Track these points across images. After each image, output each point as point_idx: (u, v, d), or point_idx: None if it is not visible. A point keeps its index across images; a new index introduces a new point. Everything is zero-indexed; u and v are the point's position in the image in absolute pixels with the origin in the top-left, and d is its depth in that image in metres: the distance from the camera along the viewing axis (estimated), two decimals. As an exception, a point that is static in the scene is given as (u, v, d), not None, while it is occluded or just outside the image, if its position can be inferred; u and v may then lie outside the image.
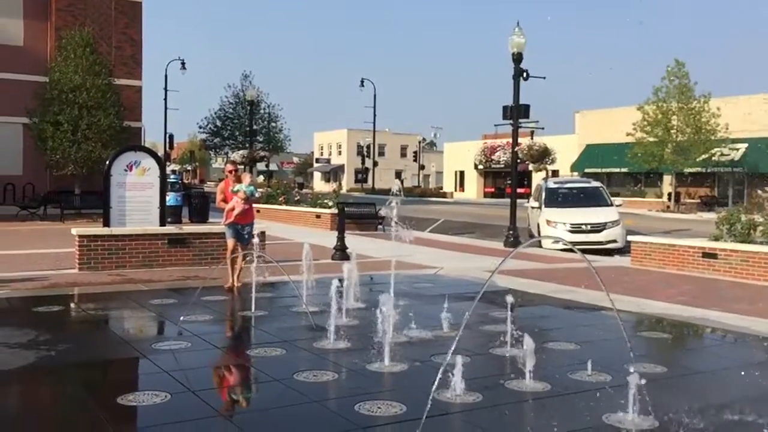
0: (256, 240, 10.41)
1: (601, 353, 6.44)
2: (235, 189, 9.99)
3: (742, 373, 6.23)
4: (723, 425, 4.77)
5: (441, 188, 70.42)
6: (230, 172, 10.39)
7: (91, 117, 23.73)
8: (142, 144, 27.69)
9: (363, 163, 71.29)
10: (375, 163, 65.37)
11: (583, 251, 16.33)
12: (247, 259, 9.92)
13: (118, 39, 27.78)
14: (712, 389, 5.71)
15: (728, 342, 7.81)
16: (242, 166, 31.55)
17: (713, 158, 39.48)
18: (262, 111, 54.71)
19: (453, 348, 4.95)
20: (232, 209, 9.96)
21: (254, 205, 10.80)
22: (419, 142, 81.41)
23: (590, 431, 4.60)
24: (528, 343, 5.63)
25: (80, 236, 11.67)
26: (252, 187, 10.16)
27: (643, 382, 4.72)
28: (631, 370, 4.88)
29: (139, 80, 28.49)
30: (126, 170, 12.43)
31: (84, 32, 24.74)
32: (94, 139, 23.69)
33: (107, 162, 12.69)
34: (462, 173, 68.49)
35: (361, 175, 73.13)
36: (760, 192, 14.94)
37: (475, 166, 64.58)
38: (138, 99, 28.36)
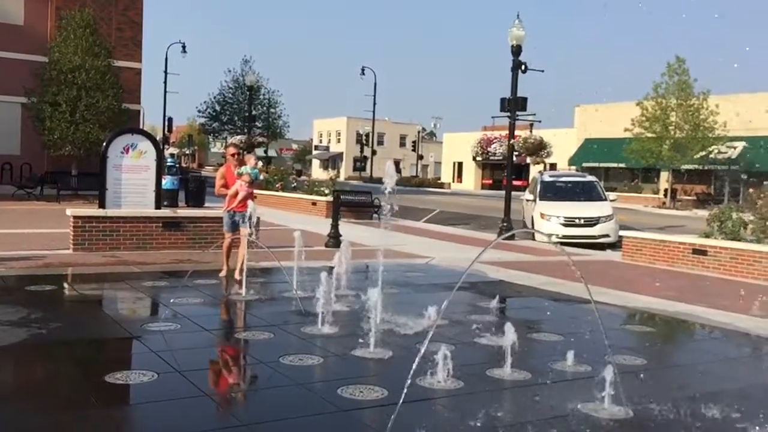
0: (248, 231, 9.40)
1: (584, 345, 6.55)
2: (240, 171, 9.54)
3: (721, 366, 6.36)
4: (696, 416, 4.88)
5: (439, 179, 70.47)
6: (232, 155, 10.02)
7: (89, 98, 23.74)
8: (141, 127, 27.70)
9: (362, 151, 71.29)
10: (374, 152, 65.41)
11: (577, 245, 16.68)
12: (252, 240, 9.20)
13: (119, 20, 27.72)
14: (688, 382, 5.83)
15: (710, 337, 7.93)
16: (242, 151, 31.66)
17: (710, 156, 39.57)
18: (261, 97, 54.69)
19: (435, 336, 5.06)
20: (235, 194, 9.51)
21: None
22: (418, 132, 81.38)
23: (566, 419, 4.70)
24: (512, 333, 5.75)
25: (75, 217, 11.75)
26: (256, 170, 9.74)
27: (622, 373, 4.84)
28: (612, 361, 5.00)
29: (138, 62, 28.45)
30: (122, 153, 12.50)
31: (84, 13, 24.70)
32: (92, 121, 23.71)
33: (104, 144, 12.75)
34: (460, 164, 68.52)
35: (360, 163, 73.16)
36: (752, 191, 15.01)
37: (473, 158, 64.61)
38: (137, 81, 28.33)
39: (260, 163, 10.65)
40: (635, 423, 4.70)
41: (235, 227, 9.67)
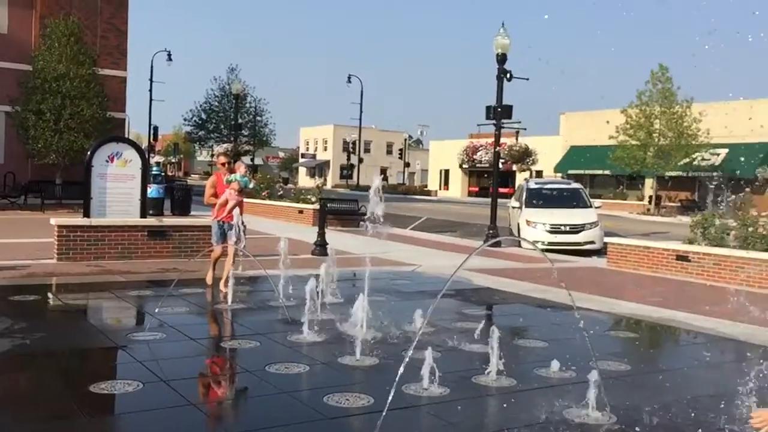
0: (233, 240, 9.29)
1: (568, 351, 6.59)
2: (230, 178, 9.31)
3: (703, 372, 6.43)
4: (678, 421, 4.94)
5: (425, 186, 70.63)
6: (222, 164, 9.70)
7: (74, 107, 23.61)
8: (126, 135, 27.61)
9: (348, 159, 71.33)
10: (360, 160, 65.49)
11: (562, 252, 16.77)
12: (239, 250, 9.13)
13: (104, 29, 27.62)
14: (671, 387, 5.87)
15: (693, 342, 8.00)
16: (232, 160, 31.52)
17: (694, 163, 39.95)
18: (247, 105, 54.59)
19: (422, 343, 5.08)
20: (225, 203, 9.29)
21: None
22: (405, 140, 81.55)
23: (550, 425, 4.74)
24: (498, 340, 5.79)
25: (59, 226, 11.68)
26: (246, 178, 9.55)
27: (606, 379, 4.88)
28: (596, 367, 5.05)
29: (124, 71, 28.35)
30: (107, 161, 12.45)
31: (69, 21, 24.59)
32: (77, 129, 23.57)
33: (88, 153, 12.70)
34: (447, 172, 68.71)
35: (347, 171, 73.18)
36: (733, 197, 15.18)
37: (460, 165, 64.84)
38: (122, 89, 28.23)
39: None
40: (619, 428, 4.74)
41: (224, 237, 9.47)
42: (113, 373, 5.82)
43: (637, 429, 4.71)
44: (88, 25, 26.40)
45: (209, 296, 9.17)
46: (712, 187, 35.84)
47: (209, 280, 9.67)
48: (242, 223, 9.20)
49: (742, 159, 39.20)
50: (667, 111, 38.30)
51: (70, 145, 23.46)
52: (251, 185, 10.11)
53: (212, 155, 61.77)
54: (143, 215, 12.78)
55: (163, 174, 27.59)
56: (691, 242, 13.48)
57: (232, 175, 9.37)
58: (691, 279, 12.62)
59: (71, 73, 23.67)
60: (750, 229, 12.68)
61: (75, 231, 11.72)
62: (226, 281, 8.99)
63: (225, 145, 40.79)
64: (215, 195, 9.45)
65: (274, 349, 6.54)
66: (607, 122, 38.94)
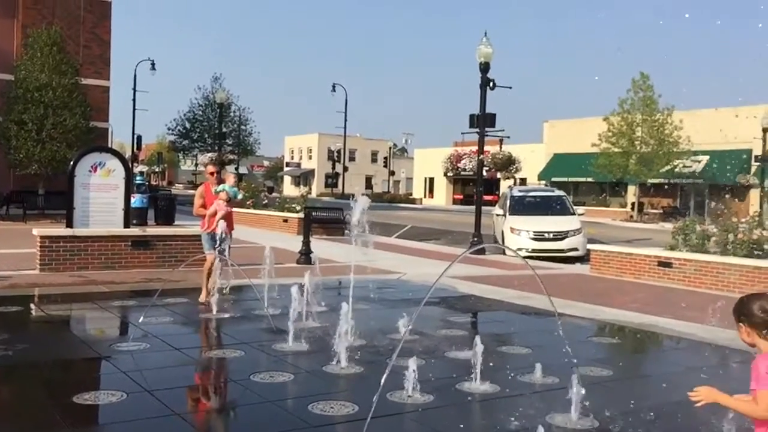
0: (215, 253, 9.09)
1: (551, 357, 6.65)
2: (218, 189, 9.14)
3: (685, 376, 6.50)
4: (660, 425, 5.00)
5: (410, 194, 70.76)
6: (211, 174, 9.47)
7: (56, 117, 23.50)
8: (109, 145, 27.49)
9: (333, 167, 71.32)
10: (345, 168, 65.47)
11: (546, 258, 16.87)
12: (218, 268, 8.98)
13: (87, 38, 27.54)
14: (653, 391, 5.94)
15: (674, 347, 8.09)
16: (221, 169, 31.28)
17: (676, 170, 40.36)
18: (232, 114, 54.44)
19: (406, 351, 5.11)
20: (214, 214, 9.08)
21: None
22: (390, 148, 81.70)
23: (532, 431, 4.78)
24: (482, 347, 5.83)
25: (42, 237, 11.61)
26: (235, 189, 9.38)
27: (588, 384, 4.94)
28: (578, 373, 5.10)
29: (107, 80, 28.26)
30: (90, 171, 12.41)
31: (51, 31, 24.49)
32: (59, 139, 23.46)
33: (71, 163, 12.64)
34: (432, 180, 68.88)
35: (332, 179, 73.15)
36: (714, 204, 15.38)
37: (445, 173, 65.05)
38: (105, 99, 28.13)
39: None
40: (601, 433, 4.79)
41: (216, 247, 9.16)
42: (97, 383, 5.79)
43: (618, 433, 4.77)
44: (70, 34, 26.31)
45: (193, 306, 9.07)
46: (693, 193, 36.28)
47: (203, 296, 9.11)
48: (225, 233, 9.07)
49: (713, 165, 39.68)
50: (649, 119, 38.72)
51: (53, 155, 23.32)
52: (240, 196, 9.91)
53: (196, 164, 61.42)
54: (127, 225, 12.73)
55: (146, 183, 27.47)
56: (672, 248, 13.62)
57: (221, 186, 9.22)
58: (673, 285, 12.75)
59: (54, 82, 23.56)
60: (730, 235, 12.84)
61: (58, 241, 11.65)
62: (210, 290, 8.92)
63: (210, 155, 40.56)
64: (204, 206, 9.26)
65: (259, 358, 6.54)
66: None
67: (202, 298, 9.10)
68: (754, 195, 38.67)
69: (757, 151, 37.10)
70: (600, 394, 5.60)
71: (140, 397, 5.23)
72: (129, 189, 13.14)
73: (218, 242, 9.04)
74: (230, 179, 9.49)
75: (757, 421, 2.96)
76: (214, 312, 8.47)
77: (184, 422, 4.91)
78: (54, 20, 25.87)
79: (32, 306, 9.20)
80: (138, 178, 23.39)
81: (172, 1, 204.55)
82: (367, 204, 7.68)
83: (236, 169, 51.12)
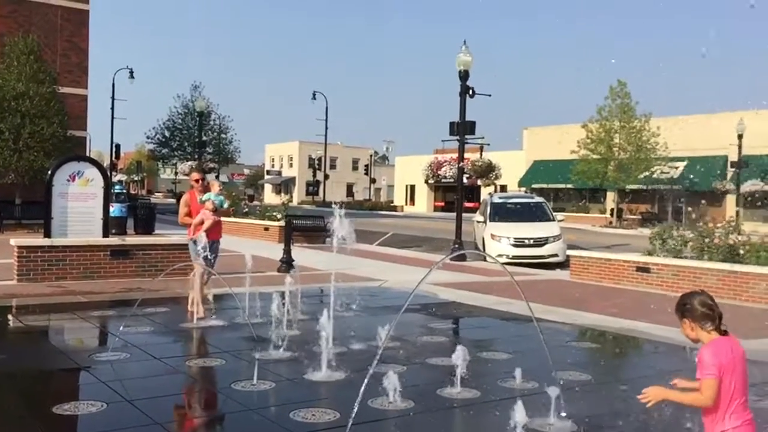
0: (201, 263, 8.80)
1: (531, 362, 6.71)
2: (204, 198, 8.96)
3: (660, 379, 6.56)
4: (637, 427, 5.06)
5: (392, 202, 70.85)
6: (196, 181, 9.22)
7: (33, 126, 23.26)
8: (87, 154, 27.28)
9: (314, 175, 71.28)
10: (326, 176, 65.45)
11: (526, 265, 16.98)
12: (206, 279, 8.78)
13: (64, 47, 27.34)
14: (631, 394, 6.01)
15: (652, 351, 8.20)
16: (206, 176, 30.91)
17: (653, 176, 40.84)
18: (211, 122, 54.25)
19: (388, 358, 5.14)
20: (201, 223, 8.85)
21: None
22: (371, 156, 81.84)
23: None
24: (462, 353, 5.87)
25: (19, 247, 11.49)
26: (221, 197, 9.17)
27: (567, 389, 5.00)
28: (558, 378, 5.16)
29: (84, 89, 28.06)
30: (68, 180, 12.31)
31: (28, 39, 24.29)
32: (37, 148, 23.22)
33: (49, 172, 12.54)
34: (413, 187, 69.07)
35: (313, 187, 73.07)
36: (690, 209, 15.61)
37: (426, 181, 65.28)
38: (83, 108, 27.93)
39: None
40: (580, 436, 4.85)
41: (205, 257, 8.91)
42: (76, 394, 5.76)
43: (597, 436, 4.83)
44: (47, 43, 26.11)
45: (173, 315, 9.01)
46: (671, 199, 36.71)
47: (201, 312, 8.67)
48: (206, 242, 8.87)
49: (695, 170, 40.22)
50: (627, 125, 39.17)
51: (30, 165, 23.09)
52: (226, 204, 9.63)
53: (176, 173, 60.98)
54: (106, 234, 12.64)
55: (125, 192, 27.27)
56: (650, 254, 13.79)
57: (207, 194, 9.03)
58: (652, 290, 12.90)
59: (31, 91, 23.35)
60: (706, 239, 13.03)
61: (35, 251, 11.54)
62: (194, 302, 8.74)
63: (190, 163, 40.37)
64: (189, 214, 9.05)
65: (240, 367, 6.53)
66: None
67: (200, 314, 8.61)
68: (731, 200, 39.26)
69: (733, 157, 37.71)
70: (579, 397, 5.67)
71: (121, 407, 5.21)
72: (108, 198, 13.06)
73: (205, 250, 8.76)
74: (215, 187, 9.28)
75: (704, 410, 3.14)
76: (195, 321, 8.43)
77: (165, 432, 4.90)
78: (31, 29, 25.67)
79: (10, 317, 9.09)
80: (117, 187, 23.21)
81: (152, 9, 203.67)
82: (342, 214, 7.81)
83: (216, 177, 50.90)
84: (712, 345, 3.14)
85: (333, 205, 8.09)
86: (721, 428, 3.11)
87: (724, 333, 3.19)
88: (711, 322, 3.19)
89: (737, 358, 3.13)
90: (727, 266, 12.14)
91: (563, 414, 5.01)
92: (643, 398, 3.23)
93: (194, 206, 9.06)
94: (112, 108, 45.58)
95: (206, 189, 9.21)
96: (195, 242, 8.86)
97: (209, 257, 8.88)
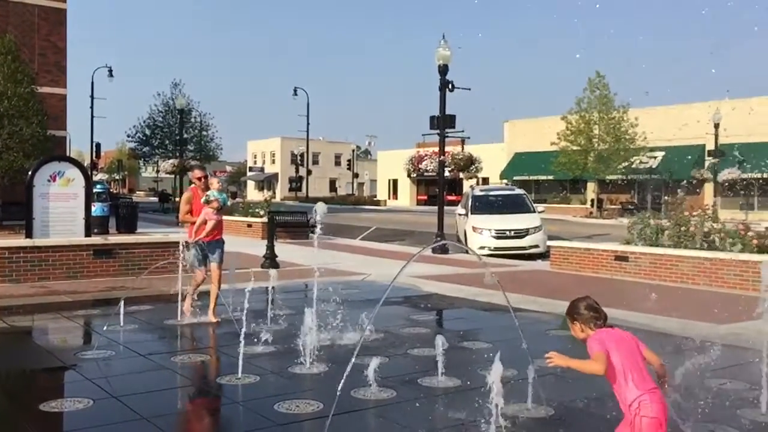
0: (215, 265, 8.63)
1: (510, 351, 6.85)
2: (210, 198, 8.53)
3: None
4: (612, 413, 5.22)
5: (375, 196, 70.99)
6: (199, 179, 8.78)
7: (12, 126, 23.06)
8: (67, 153, 27.07)
9: (297, 171, 71.15)
10: (309, 172, 65.43)
11: (508, 256, 17.18)
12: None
13: (42, 46, 27.08)
14: (606, 381, 6.18)
15: (630, 338, 8.37)
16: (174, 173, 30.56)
17: (633, 166, 41.30)
18: (193, 120, 53.96)
19: (371, 349, 5.26)
20: (204, 224, 8.50)
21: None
22: (353, 151, 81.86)
23: (492, 420, 4.97)
24: (444, 343, 6.00)
25: (1, 248, 11.48)
26: (224, 195, 8.74)
27: (545, 375, 5.15)
28: (536, 365, 5.31)
29: (63, 88, 27.83)
30: (49, 181, 12.28)
31: (5, 39, 24.04)
32: (16, 149, 23.02)
33: (29, 172, 12.51)
34: (395, 181, 69.25)
35: (295, 183, 72.95)
36: (668, 198, 15.86)
37: (408, 175, 65.45)
38: (63, 107, 27.69)
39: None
40: (555, 421, 5.01)
41: (205, 260, 8.65)
42: (63, 391, 5.82)
43: (573, 421, 4.99)
44: (25, 42, 25.86)
45: (157, 313, 9.07)
46: (650, 188, 37.15)
47: (187, 310, 8.60)
48: (204, 242, 8.67)
49: (671, 159, 40.65)
50: (605, 117, 39.55)
51: (10, 165, 22.89)
52: (229, 202, 9.26)
53: (158, 171, 60.62)
54: (88, 234, 12.64)
55: (107, 191, 27.12)
56: (628, 243, 14.02)
57: (209, 193, 8.61)
58: (630, 278, 13.13)
59: (9, 91, 23.12)
60: (682, 228, 13.28)
61: (17, 252, 11.54)
62: (191, 303, 8.68)
63: (172, 161, 40.16)
64: (191, 212, 8.71)
65: (225, 362, 6.63)
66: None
67: (214, 319, 8.48)
68: (708, 188, 39.79)
69: (710, 146, 38.22)
70: (556, 384, 5.83)
71: (107, 404, 5.29)
72: (89, 197, 13.04)
73: (214, 253, 8.63)
74: (215, 184, 8.81)
75: (610, 382, 3.55)
76: (179, 318, 8.50)
77: (152, 426, 4.98)
78: (8, 28, 25.40)
79: (-7, 318, 9.10)
80: (98, 186, 23.06)
81: (130, 7, 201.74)
82: (325, 210, 7.90)
83: (214, 174, 50.58)
84: (594, 334, 3.56)
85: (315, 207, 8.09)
86: (625, 398, 3.49)
87: (610, 327, 3.60)
88: (596, 323, 3.59)
89: (622, 339, 3.54)
90: (702, 253, 12.40)
91: (540, 399, 5.17)
92: (548, 361, 3.57)
93: (196, 205, 8.72)
94: (92, 107, 45.33)
95: (208, 187, 8.88)
96: (197, 247, 8.55)
97: (209, 257, 8.71)
